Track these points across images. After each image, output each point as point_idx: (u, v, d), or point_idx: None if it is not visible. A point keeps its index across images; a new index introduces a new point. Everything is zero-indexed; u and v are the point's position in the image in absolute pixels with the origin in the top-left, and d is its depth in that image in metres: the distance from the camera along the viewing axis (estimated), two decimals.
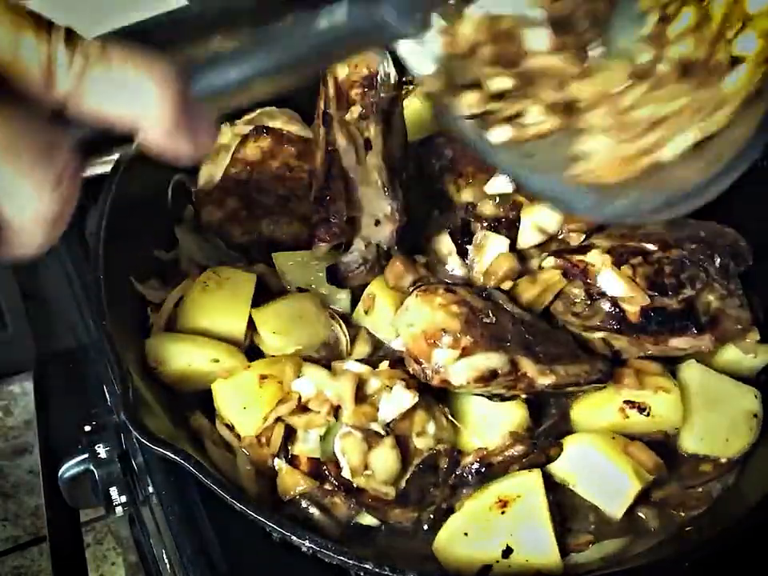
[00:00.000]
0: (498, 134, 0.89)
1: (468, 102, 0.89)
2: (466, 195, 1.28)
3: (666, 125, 0.85)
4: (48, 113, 0.60)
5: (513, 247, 1.23)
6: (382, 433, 1.04)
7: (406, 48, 0.78)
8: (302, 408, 1.07)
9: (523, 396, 1.11)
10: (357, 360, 1.13)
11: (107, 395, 1.29)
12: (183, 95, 0.61)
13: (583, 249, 1.21)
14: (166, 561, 1.12)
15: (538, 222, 1.22)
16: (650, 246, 1.20)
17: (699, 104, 0.85)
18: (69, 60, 0.58)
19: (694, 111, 0.84)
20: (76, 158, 0.60)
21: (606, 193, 0.83)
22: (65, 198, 0.59)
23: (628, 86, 0.90)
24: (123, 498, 1.23)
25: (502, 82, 0.91)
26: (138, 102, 0.60)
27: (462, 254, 1.24)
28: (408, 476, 1.04)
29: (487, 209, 1.26)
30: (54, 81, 0.58)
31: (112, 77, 0.59)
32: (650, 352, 1.18)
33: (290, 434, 1.07)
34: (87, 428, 1.22)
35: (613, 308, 1.16)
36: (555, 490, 1.10)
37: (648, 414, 1.12)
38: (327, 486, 1.04)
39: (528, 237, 1.23)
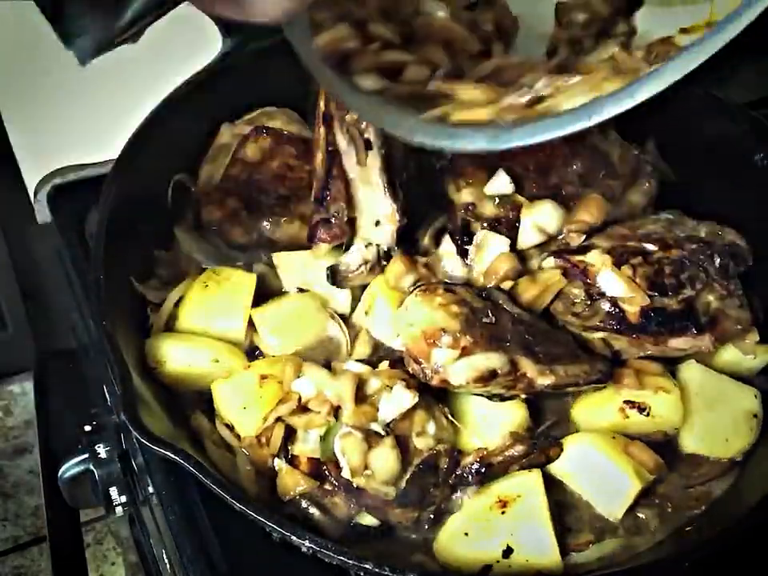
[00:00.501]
0: (369, 82, 0.89)
1: (337, 36, 0.88)
2: (466, 195, 1.28)
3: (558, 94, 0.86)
4: None
5: (513, 247, 1.23)
6: (382, 433, 1.04)
7: None
8: (302, 408, 1.07)
9: (523, 396, 1.11)
10: (357, 360, 1.14)
11: (107, 395, 1.29)
12: None
13: (583, 249, 1.21)
14: (166, 561, 1.12)
15: (538, 222, 1.22)
16: (650, 246, 1.21)
17: (595, 82, 0.86)
18: None
19: (591, 86, 0.85)
20: None
21: (501, 129, 0.84)
22: None
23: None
24: (123, 498, 1.23)
25: (382, 30, 0.91)
26: None
27: (462, 254, 1.24)
28: (408, 476, 1.04)
29: (487, 209, 1.26)
30: None
31: None
32: (649, 352, 1.18)
33: (290, 434, 1.07)
34: (87, 428, 1.22)
35: (613, 308, 1.16)
36: (555, 490, 1.10)
37: (648, 414, 1.13)
38: (327, 486, 1.04)
39: (528, 237, 1.23)
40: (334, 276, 1.23)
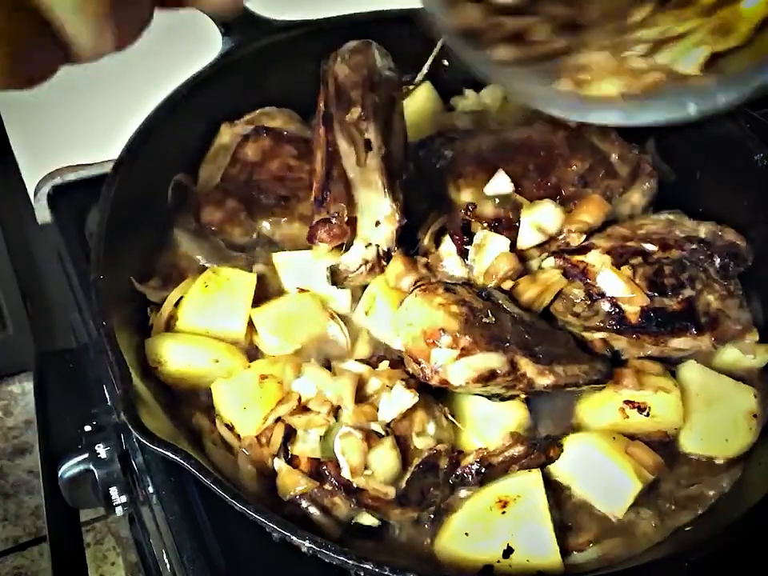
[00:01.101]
0: (503, 53, 0.89)
1: (471, 16, 0.89)
2: (466, 195, 1.28)
3: (677, 42, 0.86)
4: None
5: (513, 247, 1.23)
6: (382, 433, 1.04)
7: None
8: (302, 408, 1.06)
9: (523, 396, 1.11)
10: (357, 360, 1.14)
11: (107, 395, 1.29)
12: None
13: (583, 249, 1.21)
14: (166, 561, 1.12)
15: (538, 222, 1.22)
16: (650, 247, 1.21)
17: (711, 25, 0.85)
18: None
19: (707, 32, 0.85)
20: None
21: (631, 104, 0.84)
22: None
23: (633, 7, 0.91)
24: (123, 498, 1.23)
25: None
26: None
27: (462, 254, 1.24)
28: (408, 476, 1.04)
29: (487, 209, 1.26)
30: None
31: None
32: (649, 352, 1.18)
33: (290, 434, 1.07)
34: (87, 428, 1.22)
35: (612, 308, 1.16)
36: (555, 490, 1.10)
37: (648, 414, 1.12)
38: (327, 486, 1.04)
39: (528, 237, 1.23)
40: (334, 276, 1.23)
